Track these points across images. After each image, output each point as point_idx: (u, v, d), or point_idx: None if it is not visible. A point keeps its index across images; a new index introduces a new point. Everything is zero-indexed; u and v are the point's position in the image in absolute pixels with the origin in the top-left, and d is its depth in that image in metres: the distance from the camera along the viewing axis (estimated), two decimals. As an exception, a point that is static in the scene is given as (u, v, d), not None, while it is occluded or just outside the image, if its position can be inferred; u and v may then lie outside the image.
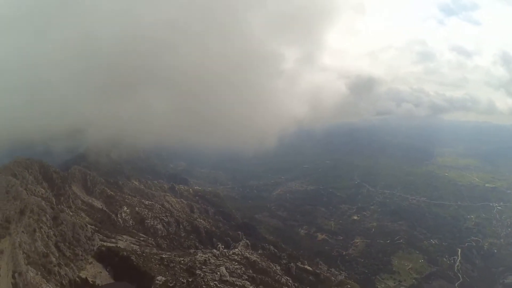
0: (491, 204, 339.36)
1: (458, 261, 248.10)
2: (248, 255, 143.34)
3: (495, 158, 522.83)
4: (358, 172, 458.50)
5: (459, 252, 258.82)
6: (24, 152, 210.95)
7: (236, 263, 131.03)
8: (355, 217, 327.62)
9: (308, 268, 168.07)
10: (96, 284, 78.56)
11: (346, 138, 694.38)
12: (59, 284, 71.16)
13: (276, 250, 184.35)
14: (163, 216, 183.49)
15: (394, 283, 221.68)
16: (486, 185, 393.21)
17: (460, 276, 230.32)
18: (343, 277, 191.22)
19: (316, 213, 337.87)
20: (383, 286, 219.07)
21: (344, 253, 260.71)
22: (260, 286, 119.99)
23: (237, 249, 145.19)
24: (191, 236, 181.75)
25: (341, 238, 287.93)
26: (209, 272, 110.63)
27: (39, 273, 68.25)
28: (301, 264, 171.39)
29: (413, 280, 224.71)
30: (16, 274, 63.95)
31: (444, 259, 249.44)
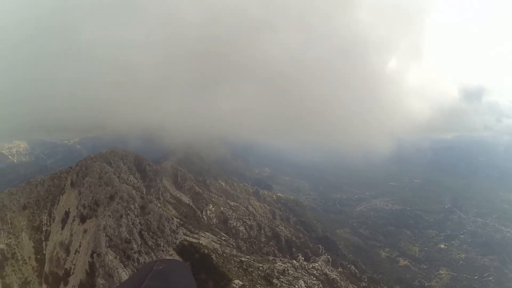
0: None
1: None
2: (328, 272, 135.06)
3: None
4: (449, 195, 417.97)
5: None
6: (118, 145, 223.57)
7: (315, 278, 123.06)
8: (442, 246, 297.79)
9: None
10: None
11: (440, 155, 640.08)
12: (135, 271, 69.72)
13: (356, 271, 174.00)
14: (246, 219, 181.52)
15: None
16: None
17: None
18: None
19: (400, 236, 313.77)
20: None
21: (426, 284, 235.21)
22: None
23: (317, 264, 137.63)
24: (271, 242, 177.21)
25: (425, 266, 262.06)
26: (286, 284, 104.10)
27: (118, 257, 67.68)
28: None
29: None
30: (94, 255, 64.04)
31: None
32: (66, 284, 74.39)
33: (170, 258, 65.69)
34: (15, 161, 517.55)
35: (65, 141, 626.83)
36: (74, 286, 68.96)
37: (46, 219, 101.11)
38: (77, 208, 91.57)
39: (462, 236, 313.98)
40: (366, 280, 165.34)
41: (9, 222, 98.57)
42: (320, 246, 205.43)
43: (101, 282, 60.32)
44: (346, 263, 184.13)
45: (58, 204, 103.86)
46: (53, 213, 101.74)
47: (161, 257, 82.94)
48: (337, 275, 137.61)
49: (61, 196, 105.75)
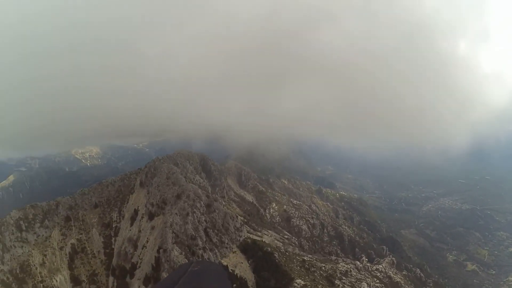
0: None
1: None
2: (392, 275, 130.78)
3: None
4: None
5: None
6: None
7: (378, 281, 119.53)
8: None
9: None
10: (235, 273, 77.55)
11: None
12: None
13: (422, 275, 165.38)
14: (309, 218, 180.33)
15: None
16: None
17: None
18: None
19: (468, 238, 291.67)
20: None
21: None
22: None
23: (381, 266, 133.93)
24: (334, 242, 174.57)
25: (494, 272, 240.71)
26: (349, 285, 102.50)
27: (183, 253, 70.46)
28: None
29: None
30: (161, 250, 67.16)
31: None
32: (132, 277, 78.85)
33: (207, 260, 67.02)
34: (88, 164, 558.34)
35: (135, 145, 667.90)
36: (140, 279, 72.93)
37: (116, 216, 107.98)
38: (146, 206, 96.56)
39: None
40: (431, 284, 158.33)
41: (81, 219, 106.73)
42: (384, 247, 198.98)
43: (165, 276, 63.23)
44: (411, 266, 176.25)
45: (127, 202, 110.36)
46: (123, 211, 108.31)
47: (225, 254, 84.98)
48: (401, 279, 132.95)
49: (130, 195, 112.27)
